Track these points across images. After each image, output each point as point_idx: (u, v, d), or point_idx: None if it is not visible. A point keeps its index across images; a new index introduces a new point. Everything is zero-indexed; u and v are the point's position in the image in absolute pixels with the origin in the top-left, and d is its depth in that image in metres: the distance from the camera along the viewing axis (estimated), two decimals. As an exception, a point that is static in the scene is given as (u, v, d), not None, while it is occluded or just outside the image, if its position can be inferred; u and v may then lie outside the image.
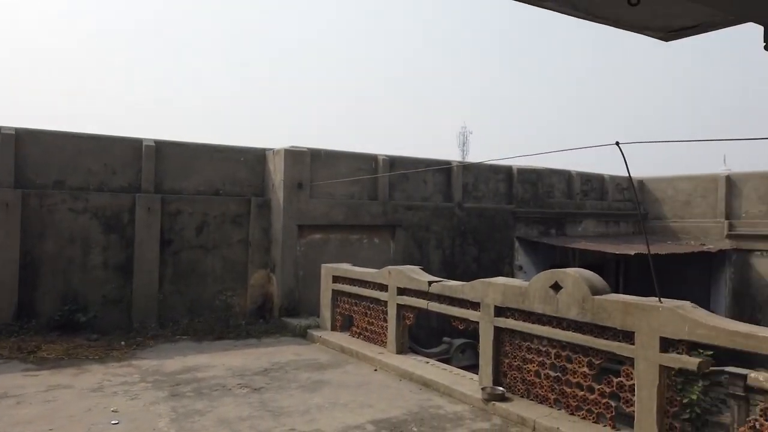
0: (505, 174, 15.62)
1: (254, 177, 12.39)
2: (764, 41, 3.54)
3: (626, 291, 17.43)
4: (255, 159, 12.42)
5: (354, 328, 9.66)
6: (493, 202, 15.25)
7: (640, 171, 19.97)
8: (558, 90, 66.85)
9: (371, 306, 9.18)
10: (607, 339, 5.42)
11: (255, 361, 8.59)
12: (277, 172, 12.02)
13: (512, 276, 14.92)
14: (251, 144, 12.64)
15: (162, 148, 11.33)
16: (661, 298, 5.08)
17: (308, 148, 12.22)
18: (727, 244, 16.65)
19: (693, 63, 64.79)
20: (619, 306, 5.24)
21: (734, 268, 16.67)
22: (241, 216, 11.90)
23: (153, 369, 8.04)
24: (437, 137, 62.27)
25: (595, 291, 5.56)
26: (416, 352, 8.98)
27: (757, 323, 16.90)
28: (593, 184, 17.90)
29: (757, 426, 4.34)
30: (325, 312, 10.37)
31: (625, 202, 18.91)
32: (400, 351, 8.51)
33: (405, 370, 7.78)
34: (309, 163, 12.12)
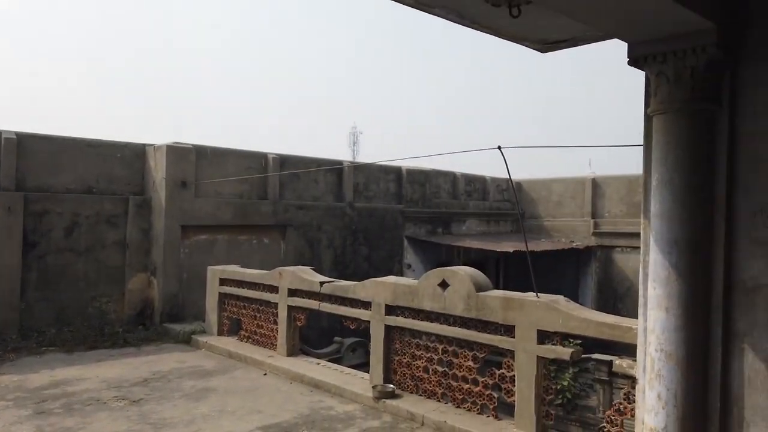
0: (395, 174, 15.94)
1: (133, 174, 11.61)
2: (628, 56, 3.89)
3: (506, 286, 18.48)
4: (134, 155, 11.65)
5: (242, 332, 9.37)
6: (383, 202, 15.50)
7: (518, 173, 21.30)
8: (446, 94, 69.44)
9: (261, 308, 8.95)
10: (490, 333, 5.70)
11: (133, 371, 8.05)
12: (158, 170, 11.35)
13: (401, 274, 15.26)
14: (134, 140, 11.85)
15: (25, 141, 10.27)
16: (538, 293, 5.43)
17: (193, 145, 11.67)
18: (593, 241, 18.19)
19: (571, 73, 70.15)
20: (501, 302, 5.53)
21: (599, 263, 18.25)
22: (118, 216, 11.10)
23: (14, 385, 7.26)
24: (329, 137, 62.24)
25: (480, 288, 5.82)
26: (307, 354, 8.89)
27: (618, 313, 18.50)
28: (476, 185, 18.79)
29: (621, 408, 4.77)
30: (212, 316, 9.96)
31: (505, 202, 20.05)
32: (291, 353, 8.38)
33: (296, 372, 7.68)
34: (194, 161, 11.58)
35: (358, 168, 15.15)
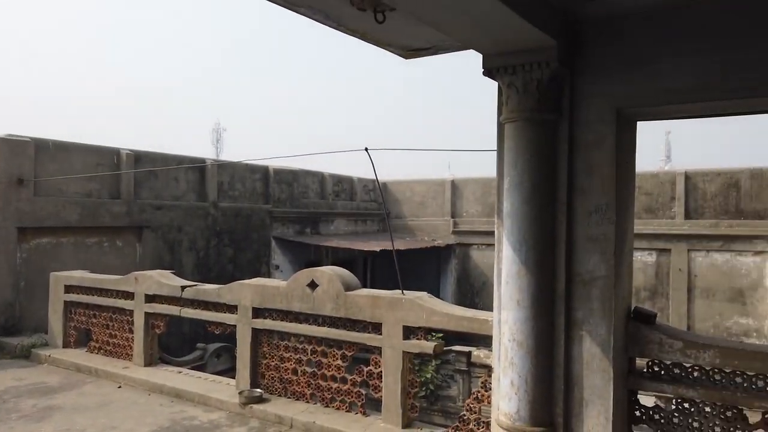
0: (261, 174, 15.59)
1: (-44, 170, 10.16)
2: (483, 67, 4.16)
3: (373, 285, 18.91)
4: (-43, 148, 10.19)
5: (93, 343, 8.60)
6: (250, 202, 15.09)
7: (384, 174, 21.85)
8: (314, 93, 69.24)
9: (114, 316, 8.28)
10: (358, 331, 5.79)
11: (-42, 394, 7.06)
12: (-12, 165, 10.05)
13: (269, 275, 14.98)
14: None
15: None
16: (404, 291, 5.62)
17: (32, 138, 10.49)
18: (452, 240, 19.22)
19: (441, 80, 73.28)
20: (369, 300, 5.64)
21: (458, 260, 19.33)
22: (-63, 218, 9.66)
23: None
24: (191, 134, 59.22)
25: (348, 287, 5.89)
26: (168, 363, 8.39)
27: (476, 306, 19.68)
28: (344, 185, 18.99)
29: (479, 396, 5.08)
30: (56, 327, 9.02)
31: (372, 202, 20.49)
32: (149, 363, 7.86)
33: (155, 383, 7.21)
34: (33, 156, 10.41)
35: (223, 166, 14.60)
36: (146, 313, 7.77)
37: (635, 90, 3.85)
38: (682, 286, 15.89)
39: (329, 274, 5.95)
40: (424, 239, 19.41)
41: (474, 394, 5.09)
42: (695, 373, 4.06)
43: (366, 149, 5.71)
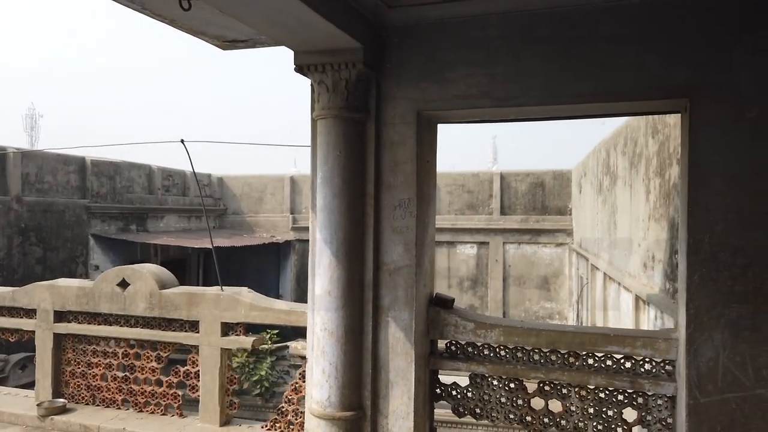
0: (77, 165, 14.19)
1: None
2: (294, 64, 4.24)
3: (207, 282, 18.21)
4: None
5: None
6: (63, 196, 13.67)
7: (218, 168, 21.11)
8: (137, 86, 64.44)
9: None
10: (175, 331, 5.57)
11: None
12: None
13: (87, 276, 13.72)
14: None
15: None
16: (223, 286, 5.52)
17: None
18: (292, 236, 19.20)
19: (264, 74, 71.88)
20: (185, 298, 5.46)
21: (297, 256, 19.37)
22: None
23: None
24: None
25: (163, 285, 5.63)
26: (-49, 379, 7.33)
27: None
28: (175, 179, 18.01)
29: (297, 387, 5.18)
30: None
31: (207, 198, 19.70)
32: (-74, 381, 6.79)
33: (-69, 403, 6.26)
34: None
35: (29, 156, 13.05)
36: None
37: (431, 94, 4.20)
38: (499, 276, 17.55)
39: (141, 272, 5.64)
40: (263, 235, 19.14)
41: (292, 385, 5.18)
42: (485, 351, 4.54)
43: (182, 141, 5.52)
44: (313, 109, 4.43)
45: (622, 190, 8.52)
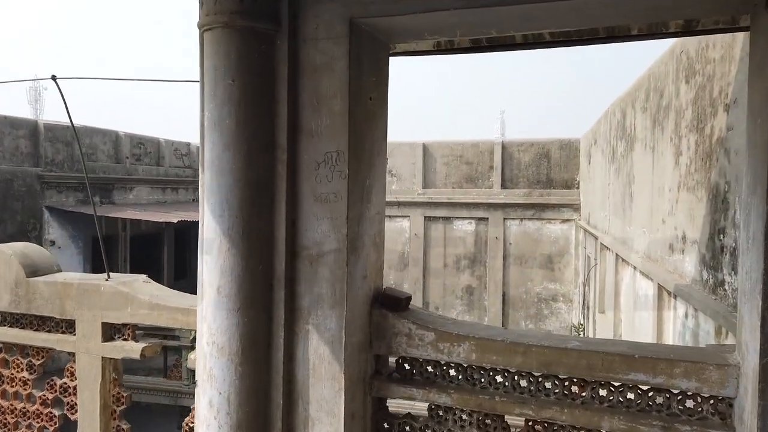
0: (28, 130, 12.79)
1: None
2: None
3: (187, 263, 16.92)
4: None
5: None
6: (11, 164, 12.30)
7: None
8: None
9: None
10: (49, 332, 4.21)
11: None
12: None
13: (40, 253, 12.42)
14: None
15: None
16: (111, 273, 4.14)
17: None
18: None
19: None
20: (58, 289, 4.09)
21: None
22: None
23: None
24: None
25: (34, 271, 4.26)
26: None
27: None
28: (147, 147, 16.57)
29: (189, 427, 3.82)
30: None
31: (186, 168, 18.29)
32: None
33: None
34: None
35: (-30, 119, 11.66)
36: None
37: (370, -11, 2.74)
38: (499, 254, 16.17)
39: (5, 253, 4.26)
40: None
41: (193, 410, 3.82)
42: (451, 372, 3.17)
43: (53, 77, 4.09)
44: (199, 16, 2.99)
45: (642, 156, 7.03)
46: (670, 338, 5.43)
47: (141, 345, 3.91)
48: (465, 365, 3.12)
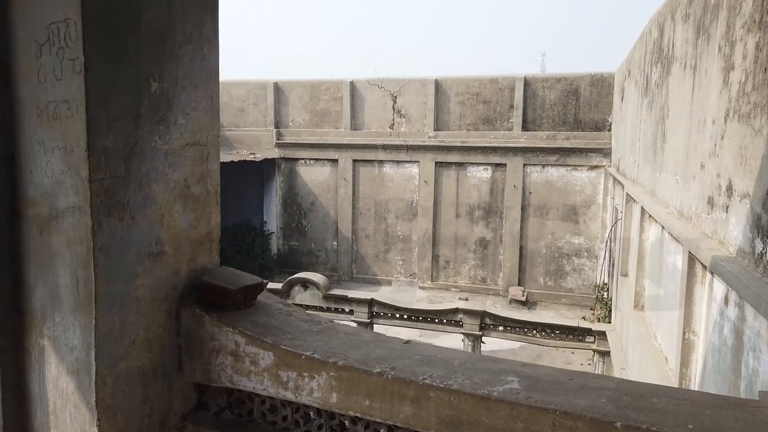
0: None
1: None
2: None
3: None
4: None
5: None
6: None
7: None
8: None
9: None
10: None
11: None
12: None
13: None
14: None
15: None
16: None
17: None
18: (276, 153, 16.51)
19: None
20: None
21: (283, 177, 16.76)
22: None
23: None
24: None
25: None
26: None
27: (304, 230, 17.32)
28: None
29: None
30: None
31: (182, 108, 16.97)
32: None
33: None
34: None
35: None
36: None
37: None
38: (517, 204, 14.60)
39: None
40: (243, 153, 16.52)
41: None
42: (298, 419, 1.84)
43: None
44: None
45: (679, 81, 5.38)
46: (701, 327, 3.98)
47: None
48: (325, 409, 1.79)
